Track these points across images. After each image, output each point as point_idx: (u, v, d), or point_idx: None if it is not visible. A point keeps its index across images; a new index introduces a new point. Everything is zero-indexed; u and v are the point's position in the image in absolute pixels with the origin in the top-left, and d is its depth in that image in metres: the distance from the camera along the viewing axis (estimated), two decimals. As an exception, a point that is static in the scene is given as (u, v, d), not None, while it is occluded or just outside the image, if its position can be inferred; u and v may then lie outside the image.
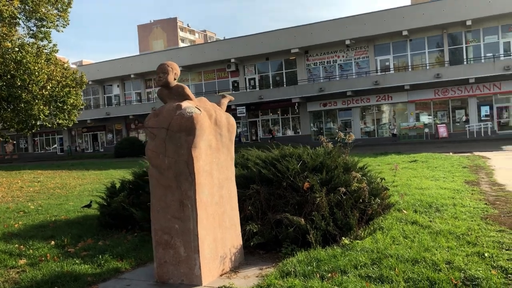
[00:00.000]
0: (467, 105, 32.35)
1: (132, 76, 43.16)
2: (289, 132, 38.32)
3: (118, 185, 7.56)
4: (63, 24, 18.82)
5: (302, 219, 5.03)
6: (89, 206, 7.86)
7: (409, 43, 33.85)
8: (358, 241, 5.17)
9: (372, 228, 5.59)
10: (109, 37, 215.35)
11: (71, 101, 19.07)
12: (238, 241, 4.85)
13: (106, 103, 46.66)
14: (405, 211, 6.78)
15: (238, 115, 34.67)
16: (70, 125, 21.15)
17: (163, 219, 4.35)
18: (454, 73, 30.49)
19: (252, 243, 5.00)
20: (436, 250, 4.76)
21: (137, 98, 45.28)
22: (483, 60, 31.37)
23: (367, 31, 33.34)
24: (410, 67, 33.91)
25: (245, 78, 39.76)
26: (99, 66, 44.52)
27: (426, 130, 32.94)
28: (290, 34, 35.94)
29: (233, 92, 39.56)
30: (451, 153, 19.87)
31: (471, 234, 5.37)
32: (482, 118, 31.92)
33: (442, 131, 32.08)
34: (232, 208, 4.80)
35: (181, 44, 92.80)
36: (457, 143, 27.97)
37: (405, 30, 32.27)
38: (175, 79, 4.34)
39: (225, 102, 4.98)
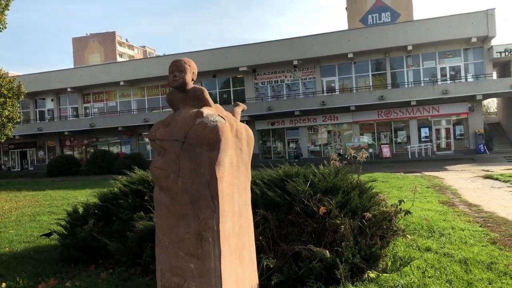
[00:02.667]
0: (408, 127, 33.64)
1: (68, 89, 40.42)
2: (236, 151, 37.56)
3: (80, 210, 6.37)
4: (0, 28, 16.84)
5: (327, 251, 4.28)
6: (49, 235, 6.57)
7: (354, 65, 34.81)
8: (385, 274, 4.52)
9: (393, 258, 4.98)
10: (39, 49, 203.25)
11: (7, 113, 16.93)
12: (255, 279, 3.99)
13: (38, 118, 43.23)
14: (409, 236, 6.28)
15: (185, 132, 33.35)
16: (3, 141, 18.85)
17: (174, 256, 3.41)
18: (396, 95, 31.63)
19: (272, 282, 4.15)
20: (478, 283, 4.22)
21: (73, 113, 42.42)
22: (422, 84, 32.91)
23: (314, 52, 33.84)
24: (354, 88, 34.79)
25: (191, 95, 38.65)
26: (31, 78, 41.18)
27: (371, 150, 33.74)
28: (239, 52, 35.63)
29: (178, 109, 38.34)
30: (401, 173, 20.17)
31: (498, 263, 4.92)
32: (422, 140, 33.32)
33: (386, 151, 33.05)
34: (250, 239, 3.95)
35: (119, 59, 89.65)
36: (401, 163, 28.79)
37: (350, 53, 33.16)
38: (193, 79, 3.49)
39: (239, 111, 4.18)
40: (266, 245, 4.57)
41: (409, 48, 31.93)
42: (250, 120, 34.92)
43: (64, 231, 6.10)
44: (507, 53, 30.44)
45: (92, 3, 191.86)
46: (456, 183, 15.16)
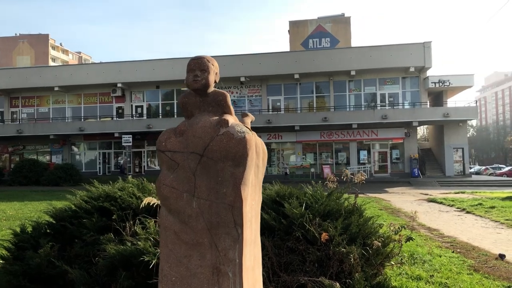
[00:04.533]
0: (348, 149, 34.59)
1: (-6, 92, 37.14)
2: (177, 166, 36.41)
3: (29, 229, 5.42)
4: None
5: (337, 284, 3.84)
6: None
7: (299, 86, 35.39)
8: (393, 307, 4.16)
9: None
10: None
11: None
12: (262, 318, 3.43)
13: (-45, 120, 39.16)
14: (392, 263, 6.03)
15: (124, 144, 31.78)
16: None
17: (182, 295, 2.78)
18: (339, 118, 32.46)
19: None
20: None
21: (-2, 117, 38.98)
22: (363, 108, 34.14)
23: (261, 71, 33.97)
24: (299, 109, 35.30)
25: (132, 105, 37.14)
26: (-50, 76, 37.44)
27: (312, 169, 34.22)
28: (185, 64, 34.52)
29: (118, 119, 36.60)
30: (347, 194, 20.41)
31: (496, 293, 4.77)
32: (360, 162, 34.38)
33: (327, 171, 33.61)
34: (259, 272, 3.40)
35: (52, 63, 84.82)
36: (342, 184, 29.28)
37: (296, 74, 33.67)
38: (215, 81, 2.94)
39: (248, 122, 3.64)
40: (266, 275, 4.03)
41: (352, 73, 33.08)
42: (193, 134, 34.05)
43: (8, 255, 5.12)
44: (440, 84, 32.51)
45: (23, 4, 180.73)
46: (404, 205, 15.51)
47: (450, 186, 27.60)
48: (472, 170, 41.11)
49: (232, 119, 2.87)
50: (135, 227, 4.73)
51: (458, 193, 21.49)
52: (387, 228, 4.92)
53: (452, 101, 35.50)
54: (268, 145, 35.33)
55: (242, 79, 34.01)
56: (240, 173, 2.75)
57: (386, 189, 25.94)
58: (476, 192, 21.62)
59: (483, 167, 54.30)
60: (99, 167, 37.08)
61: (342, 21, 48.39)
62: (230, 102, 2.95)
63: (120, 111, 37.40)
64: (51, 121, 37.18)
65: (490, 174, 48.00)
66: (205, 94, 2.88)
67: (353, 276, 3.95)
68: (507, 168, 50.10)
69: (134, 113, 37.08)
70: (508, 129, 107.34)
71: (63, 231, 5.21)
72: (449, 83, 32.49)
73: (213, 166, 2.75)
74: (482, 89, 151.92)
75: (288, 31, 49.27)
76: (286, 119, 33.28)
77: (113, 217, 5.07)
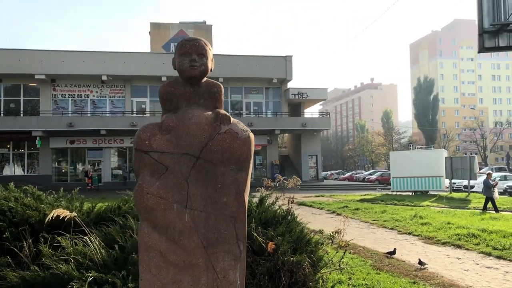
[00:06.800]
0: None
1: None
2: (19, 171, 32.03)
3: None
4: None
5: (296, 296, 3.62)
6: None
7: (166, 89, 34.43)
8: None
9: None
10: None
11: None
12: None
13: None
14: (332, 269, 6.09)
15: (-46, 145, 26.71)
16: None
17: (170, 332, 2.23)
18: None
19: None
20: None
21: None
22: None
23: (125, 70, 32.10)
24: (165, 112, 34.31)
25: (-34, 100, 31.52)
26: None
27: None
28: (36, 57, 30.91)
29: None
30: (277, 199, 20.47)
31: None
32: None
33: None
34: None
35: None
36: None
37: (164, 76, 32.70)
38: (211, 70, 2.46)
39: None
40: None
41: (220, 80, 33.39)
42: (44, 136, 30.37)
43: None
44: (299, 96, 35.06)
45: None
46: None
47: (308, 190, 29.81)
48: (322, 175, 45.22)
49: (230, 116, 2.44)
50: (42, 247, 3.80)
51: (318, 196, 23.32)
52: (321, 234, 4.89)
53: (309, 112, 38.53)
54: (131, 149, 33.49)
55: (104, 77, 31.62)
56: (243, 178, 2.35)
57: (253, 193, 26.70)
58: (333, 195, 23.77)
59: (329, 172, 60.32)
60: None
61: (204, 28, 48.61)
62: (222, 95, 2.52)
63: None
64: None
65: (335, 179, 53.56)
66: (199, 83, 2.39)
67: (309, 286, 3.78)
68: (348, 174, 56.65)
69: (-32, 109, 31.49)
70: (345, 140, 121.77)
71: None
72: (307, 95, 35.24)
73: (211, 171, 2.28)
74: (324, 103, 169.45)
75: (149, 32, 47.67)
76: (151, 121, 31.91)
77: (4, 235, 4.02)
